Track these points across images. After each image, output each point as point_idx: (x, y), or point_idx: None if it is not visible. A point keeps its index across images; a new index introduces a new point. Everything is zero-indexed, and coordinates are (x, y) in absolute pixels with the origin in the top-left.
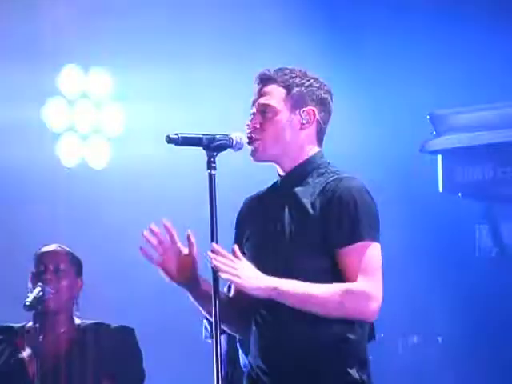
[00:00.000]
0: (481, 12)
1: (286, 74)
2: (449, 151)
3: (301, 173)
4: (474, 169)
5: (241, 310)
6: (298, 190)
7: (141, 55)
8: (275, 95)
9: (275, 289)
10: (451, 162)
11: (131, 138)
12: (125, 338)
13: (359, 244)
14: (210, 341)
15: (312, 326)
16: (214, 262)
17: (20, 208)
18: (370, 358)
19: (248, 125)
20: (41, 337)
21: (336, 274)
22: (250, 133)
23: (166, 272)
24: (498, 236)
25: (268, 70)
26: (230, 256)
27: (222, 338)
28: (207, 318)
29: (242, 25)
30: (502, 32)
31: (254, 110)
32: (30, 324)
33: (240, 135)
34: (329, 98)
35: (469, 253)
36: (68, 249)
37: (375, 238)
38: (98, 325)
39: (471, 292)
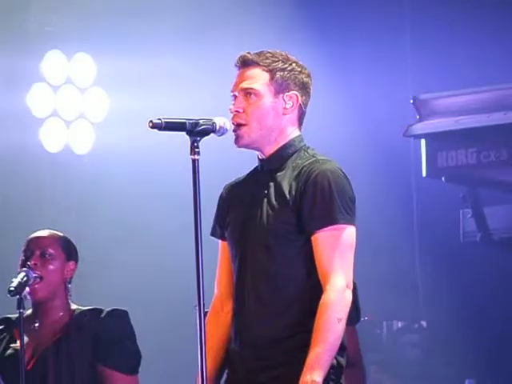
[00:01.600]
0: None
1: (268, 58)
2: (432, 135)
3: (280, 156)
4: (457, 153)
5: None
6: (277, 174)
7: (124, 40)
8: (258, 79)
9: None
10: (434, 147)
11: (115, 124)
12: (118, 320)
13: (331, 227)
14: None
15: (289, 308)
16: None
17: (3, 194)
18: None
19: (231, 109)
20: (37, 324)
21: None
22: (233, 117)
23: None
24: (482, 220)
25: (249, 53)
26: None
27: None
28: None
29: (227, 7)
30: (483, 16)
31: (237, 93)
32: (28, 312)
33: (223, 120)
34: (310, 82)
35: (453, 237)
36: (59, 233)
37: (349, 221)
38: (92, 310)
39: (456, 276)
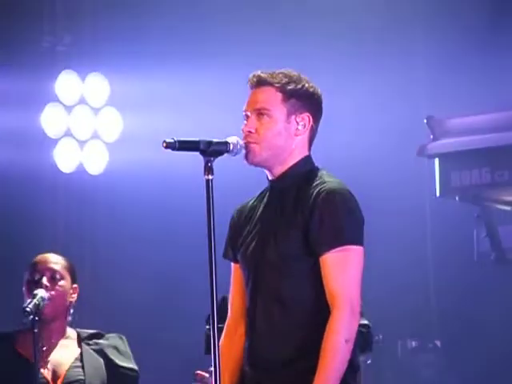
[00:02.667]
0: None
1: (281, 79)
2: (446, 155)
3: (290, 177)
4: (471, 173)
5: None
6: (286, 195)
7: (137, 61)
8: (272, 100)
9: None
10: (448, 166)
11: (128, 143)
12: (120, 346)
13: (340, 248)
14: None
15: (300, 329)
16: None
17: (18, 214)
18: (369, 362)
19: (243, 129)
20: (44, 348)
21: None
22: (245, 137)
23: None
24: (496, 240)
25: (263, 72)
26: None
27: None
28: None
29: (241, 27)
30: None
31: (249, 113)
32: (25, 330)
33: (237, 140)
34: (321, 104)
35: (467, 257)
36: (62, 255)
37: (357, 242)
38: (95, 335)
39: (470, 296)
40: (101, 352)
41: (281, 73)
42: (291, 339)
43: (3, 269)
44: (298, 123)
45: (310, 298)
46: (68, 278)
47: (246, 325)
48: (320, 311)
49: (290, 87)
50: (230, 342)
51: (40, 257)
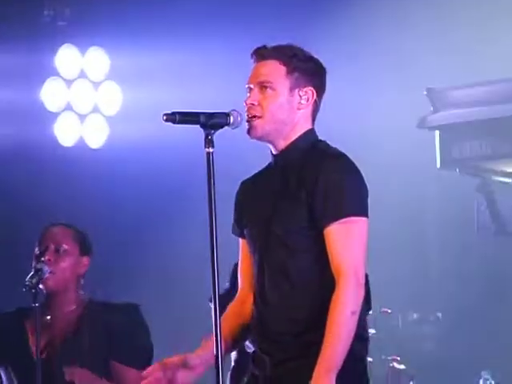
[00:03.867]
0: None
1: (285, 52)
2: (446, 127)
3: (293, 151)
4: (471, 144)
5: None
6: (289, 169)
7: (137, 34)
8: (275, 72)
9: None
10: (448, 138)
11: (128, 117)
12: (130, 315)
13: (344, 220)
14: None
15: (306, 302)
16: None
17: (19, 188)
18: (373, 331)
19: (246, 101)
20: (49, 317)
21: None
22: (248, 109)
23: None
24: (495, 212)
25: (266, 45)
26: None
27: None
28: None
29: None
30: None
31: (252, 86)
32: (37, 305)
33: (237, 113)
34: (325, 78)
35: (468, 228)
36: (73, 227)
37: (362, 213)
38: (105, 304)
39: (471, 268)
40: (106, 323)
41: (285, 46)
42: (299, 312)
43: (6, 242)
44: (301, 97)
45: (317, 271)
46: (76, 250)
47: (254, 298)
48: (327, 284)
49: (293, 61)
50: (238, 304)
51: (46, 229)
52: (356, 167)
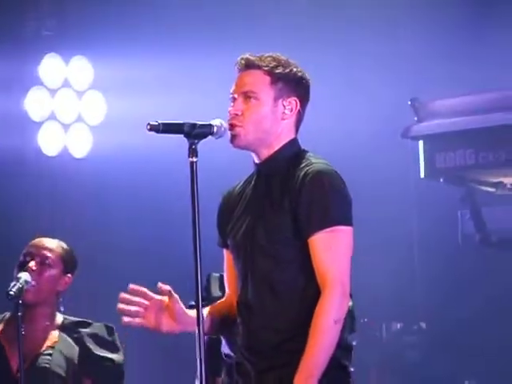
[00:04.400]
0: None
1: (270, 62)
2: (430, 137)
3: (276, 160)
4: (455, 154)
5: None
6: (272, 179)
7: (121, 44)
8: (259, 82)
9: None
10: (433, 148)
11: (112, 127)
12: (103, 333)
13: (329, 229)
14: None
15: (291, 312)
16: None
17: (2, 198)
18: (354, 343)
19: (230, 111)
20: (22, 330)
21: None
22: (231, 119)
23: (152, 327)
24: (480, 221)
25: (251, 55)
26: None
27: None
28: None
29: (222, 10)
30: (482, 17)
31: (236, 95)
32: (8, 314)
33: (221, 122)
34: (309, 89)
35: (452, 238)
36: (63, 244)
37: (346, 222)
38: (80, 323)
39: (455, 278)
40: (79, 340)
41: (269, 56)
42: (283, 322)
43: None
44: (284, 107)
45: (301, 281)
46: (59, 266)
47: (238, 307)
48: (311, 294)
49: (277, 71)
50: (227, 301)
51: (36, 240)
52: (340, 177)
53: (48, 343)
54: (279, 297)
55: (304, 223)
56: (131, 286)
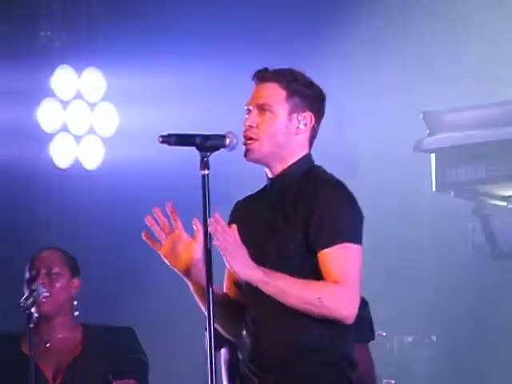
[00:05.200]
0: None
1: (286, 76)
2: (442, 150)
3: (289, 176)
4: (466, 168)
5: (235, 309)
6: (285, 193)
7: (133, 55)
8: (275, 96)
9: (260, 277)
10: (444, 161)
11: (124, 139)
12: (128, 338)
13: (338, 246)
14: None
15: (305, 328)
16: (213, 228)
17: (14, 209)
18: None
19: (244, 123)
20: (48, 344)
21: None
22: (245, 131)
23: (168, 258)
24: (491, 235)
25: (267, 68)
26: (230, 232)
27: (223, 349)
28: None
29: (237, 21)
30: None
31: (251, 107)
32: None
33: (233, 135)
34: (324, 104)
35: (463, 252)
36: (62, 250)
37: (356, 240)
38: (102, 328)
39: (466, 290)
40: (105, 346)
41: (286, 70)
42: (291, 337)
43: (1, 264)
44: (299, 122)
45: None
46: (66, 272)
47: (246, 323)
48: None
49: (294, 85)
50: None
51: (37, 253)
52: (351, 194)
53: (76, 353)
54: (289, 311)
55: (315, 237)
56: (169, 206)
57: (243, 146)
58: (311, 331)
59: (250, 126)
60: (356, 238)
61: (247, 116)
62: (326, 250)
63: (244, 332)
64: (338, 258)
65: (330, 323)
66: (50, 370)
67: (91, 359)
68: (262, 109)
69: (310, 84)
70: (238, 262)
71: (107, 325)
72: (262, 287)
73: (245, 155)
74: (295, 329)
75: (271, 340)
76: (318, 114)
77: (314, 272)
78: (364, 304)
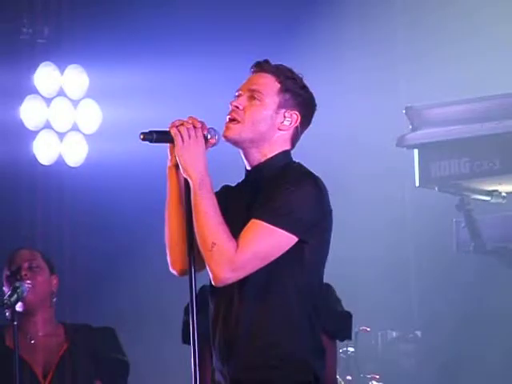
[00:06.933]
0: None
1: (284, 72)
2: (425, 145)
3: (265, 169)
4: (450, 163)
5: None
6: (260, 186)
7: (116, 52)
8: (269, 86)
9: (199, 180)
10: (427, 157)
11: (107, 135)
12: (110, 338)
13: (262, 223)
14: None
15: (262, 317)
16: (175, 122)
17: None
18: (352, 349)
19: (231, 103)
20: (30, 338)
21: (292, 266)
22: (231, 112)
23: None
24: (475, 230)
25: (268, 60)
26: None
27: None
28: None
29: (220, 19)
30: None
31: (242, 92)
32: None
33: (214, 131)
34: (313, 112)
35: (447, 247)
36: (38, 249)
37: (284, 226)
38: (85, 328)
39: (450, 286)
40: (87, 345)
41: (286, 68)
42: (254, 331)
43: None
44: (285, 118)
45: (286, 287)
46: (45, 268)
47: (215, 317)
48: (275, 296)
49: (290, 82)
50: None
51: (15, 251)
52: (316, 188)
53: (62, 351)
54: (246, 301)
55: (253, 208)
56: None
57: (224, 125)
58: (268, 320)
59: (237, 107)
60: (286, 225)
61: (236, 98)
62: (252, 220)
63: (211, 329)
64: (253, 230)
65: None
66: (39, 366)
67: (76, 358)
68: (252, 95)
69: (304, 87)
70: (187, 151)
71: (87, 324)
72: (192, 188)
73: (224, 133)
74: (254, 318)
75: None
76: (305, 118)
77: (286, 261)
78: (335, 298)
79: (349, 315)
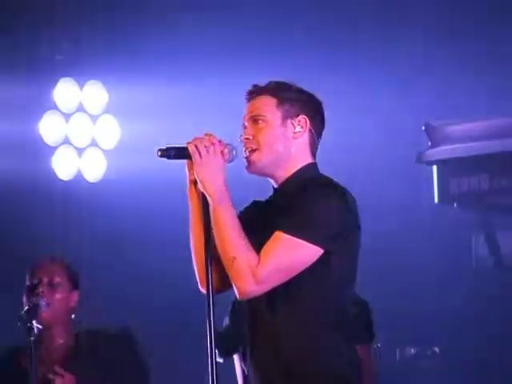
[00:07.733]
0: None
1: (275, 86)
2: (444, 162)
3: (290, 185)
4: (469, 179)
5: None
6: (284, 202)
7: (135, 68)
8: (266, 105)
9: (218, 195)
10: (446, 173)
11: (126, 151)
12: (124, 341)
13: (285, 235)
14: (221, 360)
15: (293, 336)
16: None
17: (16, 222)
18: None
19: (241, 137)
20: (43, 351)
21: (317, 279)
22: (244, 144)
23: None
24: (494, 246)
25: (256, 84)
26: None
27: (236, 356)
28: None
29: (239, 36)
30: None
31: (246, 123)
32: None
33: (232, 147)
34: (320, 109)
35: (466, 263)
36: (65, 261)
37: (308, 238)
38: (97, 332)
39: (469, 302)
40: (97, 351)
41: (273, 82)
42: (284, 348)
43: (2, 277)
44: (294, 126)
45: (309, 304)
46: (66, 284)
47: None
48: (310, 318)
49: (283, 92)
50: None
51: (39, 262)
52: (345, 201)
53: (68, 357)
54: (275, 315)
55: (277, 220)
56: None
57: (245, 160)
58: (301, 339)
59: (247, 139)
60: (308, 236)
61: (244, 131)
62: (275, 233)
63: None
64: (274, 242)
65: (330, 333)
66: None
67: (83, 367)
68: (255, 120)
69: (298, 90)
70: (205, 167)
71: (102, 329)
72: (211, 203)
73: (247, 168)
74: (286, 336)
75: (270, 349)
76: (313, 117)
77: (309, 279)
78: (362, 304)
79: (368, 318)
